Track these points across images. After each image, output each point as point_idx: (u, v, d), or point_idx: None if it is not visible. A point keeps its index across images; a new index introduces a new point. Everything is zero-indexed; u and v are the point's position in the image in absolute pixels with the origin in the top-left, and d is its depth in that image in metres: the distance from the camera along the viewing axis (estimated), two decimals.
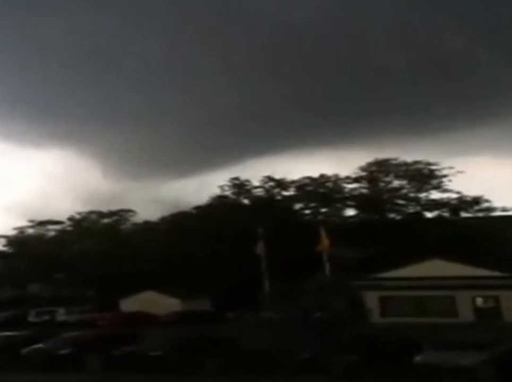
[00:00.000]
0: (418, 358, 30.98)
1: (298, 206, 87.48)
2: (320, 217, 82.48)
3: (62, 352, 39.95)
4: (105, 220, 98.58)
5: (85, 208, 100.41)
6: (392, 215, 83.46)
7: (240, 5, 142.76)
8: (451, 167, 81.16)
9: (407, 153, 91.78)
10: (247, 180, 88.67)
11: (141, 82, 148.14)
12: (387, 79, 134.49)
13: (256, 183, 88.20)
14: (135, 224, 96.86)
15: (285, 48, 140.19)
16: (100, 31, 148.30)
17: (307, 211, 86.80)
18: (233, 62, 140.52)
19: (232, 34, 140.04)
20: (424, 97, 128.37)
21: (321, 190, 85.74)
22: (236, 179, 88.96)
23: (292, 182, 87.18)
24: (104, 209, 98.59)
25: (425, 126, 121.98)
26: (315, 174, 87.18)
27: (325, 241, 62.41)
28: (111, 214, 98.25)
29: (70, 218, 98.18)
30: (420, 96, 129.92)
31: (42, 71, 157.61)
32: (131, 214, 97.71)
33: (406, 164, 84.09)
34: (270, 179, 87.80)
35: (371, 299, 58.29)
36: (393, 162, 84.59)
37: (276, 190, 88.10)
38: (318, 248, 62.03)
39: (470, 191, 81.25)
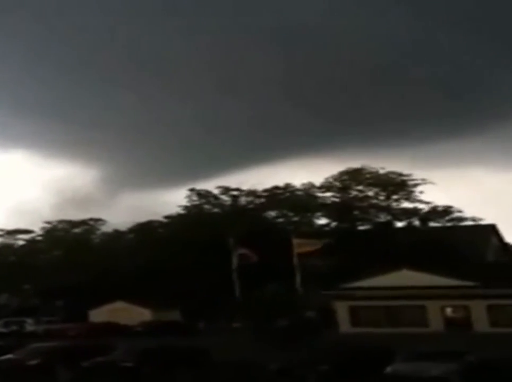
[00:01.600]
0: (389, 369, 31.02)
1: (270, 215, 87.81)
2: (291, 226, 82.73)
3: (32, 362, 39.26)
4: (75, 230, 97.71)
5: (68, 216, 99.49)
6: (363, 224, 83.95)
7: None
8: (423, 179, 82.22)
9: (384, 163, 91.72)
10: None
11: (139, 87, 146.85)
12: (370, 87, 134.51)
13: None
14: (104, 234, 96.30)
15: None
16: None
17: (279, 220, 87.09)
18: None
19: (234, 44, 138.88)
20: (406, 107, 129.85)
21: (292, 199, 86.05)
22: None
23: (264, 191, 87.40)
24: (90, 216, 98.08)
25: (404, 136, 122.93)
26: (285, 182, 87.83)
27: (298, 248, 62.67)
28: (81, 223, 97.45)
29: (42, 228, 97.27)
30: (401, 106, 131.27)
31: (40, 73, 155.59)
32: (101, 222, 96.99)
33: (378, 174, 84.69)
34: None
35: (341, 309, 58.45)
36: (365, 171, 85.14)
37: (246, 199, 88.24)
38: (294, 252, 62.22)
39: (443, 201, 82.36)
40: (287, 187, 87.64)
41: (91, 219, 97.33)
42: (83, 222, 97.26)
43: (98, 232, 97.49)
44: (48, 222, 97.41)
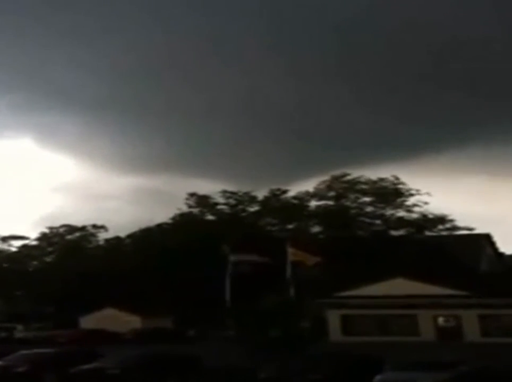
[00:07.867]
0: (377, 378, 30.73)
1: (266, 221, 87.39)
2: (286, 233, 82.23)
3: (20, 369, 38.82)
4: (70, 237, 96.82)
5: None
6: (358, 232, 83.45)
7: None
8: (417, 190, 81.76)
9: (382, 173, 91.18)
10: (207, 196, 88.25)
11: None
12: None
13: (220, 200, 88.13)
14: (103, 240, 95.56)
15: None
16: None
17: (273, 228, 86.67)
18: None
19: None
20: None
21: (286, 206, 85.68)
22: (193, 194, 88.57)
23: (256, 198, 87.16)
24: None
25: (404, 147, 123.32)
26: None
27: (294, 255, 62.15)
28: (81, 229, 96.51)
29: (41, 233, 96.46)
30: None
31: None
32: (101, 230, 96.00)
33: (370, 181, 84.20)
34: (232, 193, 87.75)
35: (333, 317, 58.21)
36: (357, 179, 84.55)
37: (241, 206, 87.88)
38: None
39: (437, 210, 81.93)
40: (281, 194, 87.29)
41: (93, 225, 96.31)
42: (83, 228, 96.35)
43: (96, 238, 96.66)
44: (51, 227, 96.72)
